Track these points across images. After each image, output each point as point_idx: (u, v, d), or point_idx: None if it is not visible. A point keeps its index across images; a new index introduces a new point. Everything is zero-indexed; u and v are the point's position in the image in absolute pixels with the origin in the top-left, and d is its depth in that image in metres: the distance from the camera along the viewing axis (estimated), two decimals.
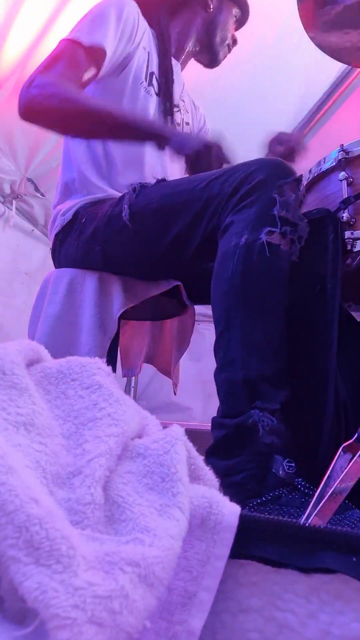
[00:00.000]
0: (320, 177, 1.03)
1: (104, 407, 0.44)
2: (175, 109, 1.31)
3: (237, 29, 1.43)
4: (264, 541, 0.39)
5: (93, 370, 0.48)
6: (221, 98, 2.09)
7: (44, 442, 0.39)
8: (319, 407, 0.78)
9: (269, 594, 0.38)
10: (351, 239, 0.90)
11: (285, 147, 1.24)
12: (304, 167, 1.09)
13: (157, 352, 1.50)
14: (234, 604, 0.38)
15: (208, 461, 0.74)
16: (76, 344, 1.07)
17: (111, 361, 1.21)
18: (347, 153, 0.96)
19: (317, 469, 0.71)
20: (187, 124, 1.41)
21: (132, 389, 2.32)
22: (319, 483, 0.52)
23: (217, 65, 1.42)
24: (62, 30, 1.39)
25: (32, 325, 1.17)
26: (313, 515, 0.48)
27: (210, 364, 0.82)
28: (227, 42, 1.39)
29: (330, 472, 0.51)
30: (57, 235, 1.19)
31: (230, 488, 0.70)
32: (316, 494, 0.51)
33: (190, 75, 1.46)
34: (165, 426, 0.48)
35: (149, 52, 1.24)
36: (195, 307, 1.34)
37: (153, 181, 1.08)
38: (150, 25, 1.27)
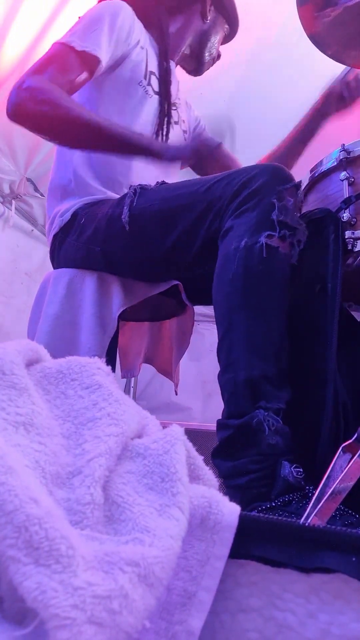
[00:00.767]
0: (321, 176, 1.03)
1: (103, 406, 0.44)
2: (172, 108, 1.32)
3: (223, 43, 1.46)
4: (263, 541, 0.39)
5: (93, 370, 0.48)
6: (221, 98, 2.09)
7: (43, 442, 0.39)
8: (319, 407, 0.79)
9: (268, 593, 0.38)
10: (352, 238, 0.90)
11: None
12: (303, 167, 1.09)
13: (157, 353, 1.50)
14: (233, 603, 0.38)
15: (213, 462, 0.74)
16: (76, 343, 1.07)
17: (110, 361, 1.21)
18: (349, 153, 0.96)
19: (317, 468, 0.72)
20: (184, 121, 1.42)
21: (132, 389, 2.32)
22: (318, 483, 0.52)
23: (200, 74, 1.45)
24: (61, 30, 1.39)
25: (32, 325, 1.17)
26: (313, 515, 0.48)
27: (210, 364, 0.82)
28: (213, 55, 1.42)
29: (329, 472, 0.51)
30: (55, 236, 1.19)
31: (235, 490, 0.70)
32: (316, 494, 0.51)
33: (189, 75, 1.47)
34: (164, 426, 0.48)
35: (147, 51, 1.25)
36: (195, 307, 1.34)
37: (149, 182, 1.08)
38: (148, 26, 1.28)
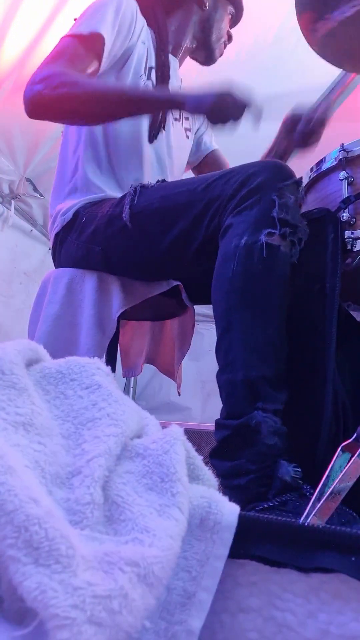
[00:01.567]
0: (321, 176, 1.03)
1: (103, 407, 0.44)
2: None
3: (232, 26, 1.44)
4: (263, 541, 0.39)
5: (92, 370, 0.48)
6: None
7: (43, 442, 0.39)
8: (318, 407, 0.79)
9: (268, 593, 0.38)
10: (351, 238, 0.90)
11: (301, 132, 1.15)
12: (303, 167, 1.09)
13: (158, 353, 1.50)
14: (233, 603, 0.38)
15: (211, 462, 0.74)
16: (76, 343, 1.07)
17: (111, 361, 1.21)
18: (348, 152, 0.96)
19: (316, 468, 0.72)
20: (187, 119, 1.41)
21: (131, 389, 2.32)
22: (317, 483, 0.52)
23: (213, 62, 1.43)
24: (61, 29, 1.39)
25: (32, 325, 1.17)
26: (312, 515, 0.48)
27: (210, 364, 0.82)
28: (222, 39, 1.40)
29: (329, 472, 0.51)
30: (57, 235, 1.19)
31: (233, 490, 0.70)
32: (315, 494, 0.51)
33: (189, 75, 1.47)
34: (164, 426, 0.48)
35: (147, 48, 1.25)
36: (195, 307, 1.34)
37: (153, 181, 1.08)
38: (148, 23, 1.28)
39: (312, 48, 1.17)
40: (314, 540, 0.38)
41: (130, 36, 1.18)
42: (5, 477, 0.30)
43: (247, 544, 0.38)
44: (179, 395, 1.47)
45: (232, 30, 1.44)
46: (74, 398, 0.46)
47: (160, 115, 1.24)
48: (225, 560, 0.37)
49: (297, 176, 0.88)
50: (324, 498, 0.48)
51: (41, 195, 2.29)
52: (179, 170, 1.37)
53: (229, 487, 0.71)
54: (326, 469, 0.51)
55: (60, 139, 1.33)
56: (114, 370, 0.53)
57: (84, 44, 1.07)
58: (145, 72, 1.23)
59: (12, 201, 2.23)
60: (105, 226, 1.07)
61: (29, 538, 0.28)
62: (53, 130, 2.05)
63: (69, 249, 1.16)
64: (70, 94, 0.98)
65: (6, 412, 0.39)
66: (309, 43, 1.17)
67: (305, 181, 1.06)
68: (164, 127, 1.26)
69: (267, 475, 0.69)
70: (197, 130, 1.51)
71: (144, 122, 1.23)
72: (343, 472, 0.48)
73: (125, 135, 1.20)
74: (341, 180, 0.96)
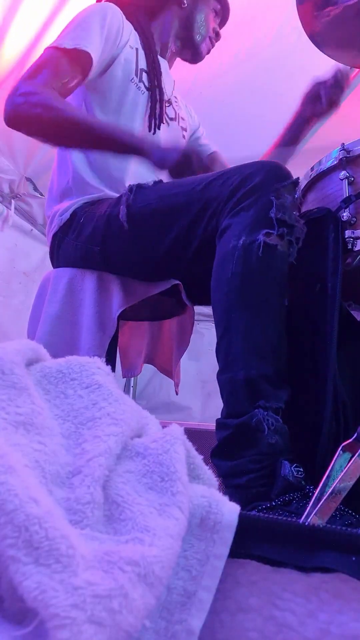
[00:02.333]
0: (321, 176, 1.03)
1: (103, 406, 0.44)
2: (167, 104, 1.32)
3: (221, 22, 1.44)
4: (263, 540, 0.39)
5: (92, 370, 0.48)
6: (220, 98, 2.09)
7: (43, 442, 0.39)
8: (318, 406, 0.79)
9: (268, 593, 0.38)
10: (352, 238, 0.90)
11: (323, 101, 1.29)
12: (303, 166, 1.09)
13: (157, 353, 1.50)
14: (233, 603, 0.38)
15: (212, 462, 0.74)
16: (76, 343, 1.07)
17: (110, 361, 1.21)
18: (348, 152, 0.96)
19: (317, 468, 0.72)
20: (183, 119, 1.41)
21: (132, 388, 2.32)
22: (318, 482, 0.52)
23: (201, 59, 1.43)
24: (60, 30, 1.39)
25: (32, 324, 1.17)
26: (312, 515, 0.48)
27: (209, 363, 0.82)
28: (207, 35, 1.40)
29: (329, 472, 0.51)
30: (55, 235, 1.19)
31: (235, 489, 0.70)
32: (315, 493, 0.51)
33: (188, 76, 1.47)
34: (164, 426, 0.48)
35: (137, 49, 1.26)
36: (195, 307, 1.34)
37: (148, 180, 1.08)
38: (134, 27, 1.29)
39: (312, 39, 1.17)
40: (314, 540, 0.38)
41: (118, 43, 1.19)
42: (5, 477, 0.30)
43: (248, 543, 0.38)
44: (177, 394, 1.47)
45: (232, 31, 1.44)
46: (74, 397, 0.46)
47: (158, 112, 1.25)
48: (225, 560, 0.37)
49: (296, 176, 0.88)
50: (325, 498, 0.48)
51: (41, 194, 2.29)
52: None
53: (230, 487, 0.71)
54: (327, 468, 0.51)
55: None
56: (113, 369, 0.52)
57: (68, 56, 1.08)
58: (136, 75, 1.24)
59: (12, 201, 2.23)
60: (104, 226, 1.08)
61: (29, 538, 0.28)
62: None
63: (67, 249, 1.16)
64: (43, 117, 1.01)
65: (6, 411, 0.39)
66: (308, 34, 1.17)
67: (305, 181, 1.06)
68: (158, 127, 1.26)
69: (268, 474, 0.69)
70: (193, 133, 1.52)
71: (137, 118, 1.23)
72: (343, 471, 0.48)
73: None
74: (342, 179, 0.96)
